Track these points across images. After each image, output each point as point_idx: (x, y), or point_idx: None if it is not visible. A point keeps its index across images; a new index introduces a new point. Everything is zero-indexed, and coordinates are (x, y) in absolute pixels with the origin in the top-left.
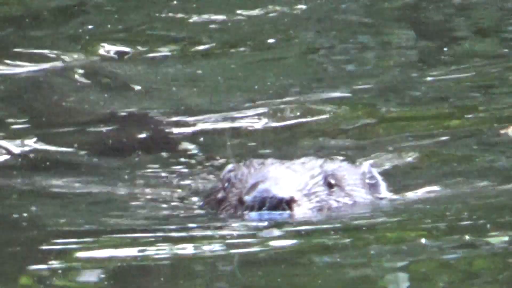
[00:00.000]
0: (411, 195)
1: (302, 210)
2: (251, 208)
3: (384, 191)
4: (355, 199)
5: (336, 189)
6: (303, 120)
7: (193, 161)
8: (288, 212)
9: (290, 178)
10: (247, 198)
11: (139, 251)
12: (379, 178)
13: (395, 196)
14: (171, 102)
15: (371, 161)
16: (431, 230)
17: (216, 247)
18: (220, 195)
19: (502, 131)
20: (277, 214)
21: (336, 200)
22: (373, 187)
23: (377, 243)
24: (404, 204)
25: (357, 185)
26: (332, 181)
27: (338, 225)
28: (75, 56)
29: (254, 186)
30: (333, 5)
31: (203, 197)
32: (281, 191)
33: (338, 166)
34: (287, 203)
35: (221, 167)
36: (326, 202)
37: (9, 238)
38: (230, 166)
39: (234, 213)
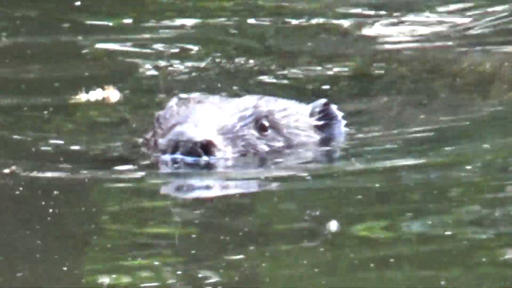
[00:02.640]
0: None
1: (224, 155)
2: (164, 152)
3: (342, 129)
4: (293, 143)
5: (270, 132)
6: None
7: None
8: (204, 157)
9: (215, 120)
10: (161, 141)
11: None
12: (339, 114)
13: (350, 134)
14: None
15: (324, 100)
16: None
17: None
18: (149, 134)
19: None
20: (192, 159)
21: (267, 144)
22: (329, 126)
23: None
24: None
25: (300, 127)
26: (266, 123)
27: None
28: None
29: (172, 127)
30: None
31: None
32: (198, 134)
33: (279, 106)
34: (204, 147)
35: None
36: (254, 146)
37: None
38: (170, 103)
39: (151, 154)
